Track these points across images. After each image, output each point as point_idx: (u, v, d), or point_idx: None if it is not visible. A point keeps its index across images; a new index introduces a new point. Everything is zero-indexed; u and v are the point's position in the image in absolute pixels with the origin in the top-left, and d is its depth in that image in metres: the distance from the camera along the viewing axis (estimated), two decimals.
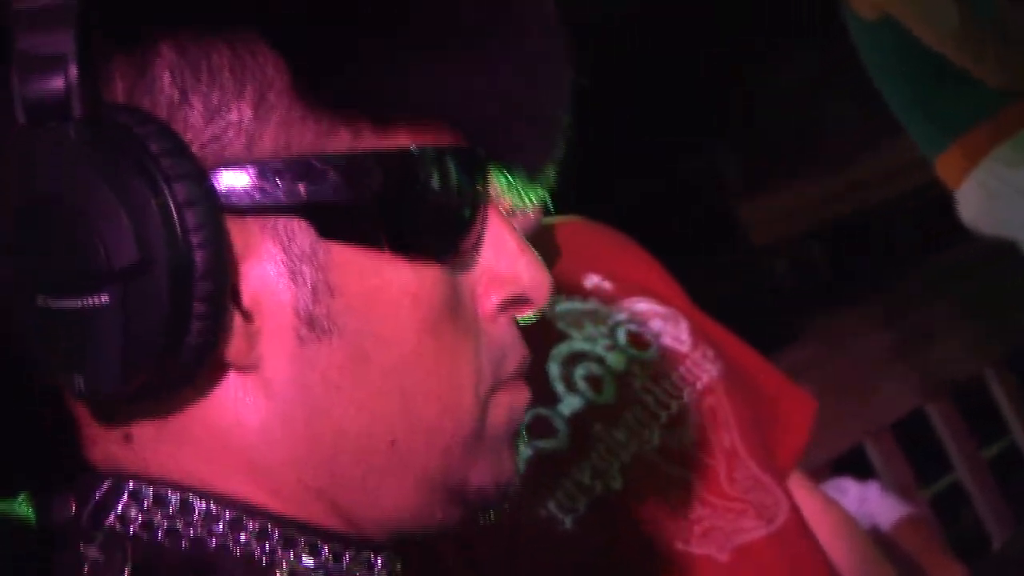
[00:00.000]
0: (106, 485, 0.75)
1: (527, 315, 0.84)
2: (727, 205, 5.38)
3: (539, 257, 0.84)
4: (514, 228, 0.83)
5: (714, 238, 5.10)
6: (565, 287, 1.63)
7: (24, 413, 0.80)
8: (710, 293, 3.85)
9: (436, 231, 0.78)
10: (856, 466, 3.11)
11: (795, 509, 1.80)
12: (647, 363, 1.68)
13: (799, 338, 3.62)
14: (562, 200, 0.94)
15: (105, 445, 0.77)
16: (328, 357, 0.75)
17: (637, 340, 1.59)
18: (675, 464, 1.63)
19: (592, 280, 1.80)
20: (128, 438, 0.76)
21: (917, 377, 3.32)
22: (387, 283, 0.76)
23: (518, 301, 0.83)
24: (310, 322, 0.74)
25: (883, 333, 3.42)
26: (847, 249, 4.98)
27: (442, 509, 0.81)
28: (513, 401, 0.84)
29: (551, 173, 0.86)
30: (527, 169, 0.84)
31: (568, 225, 1.88)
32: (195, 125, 0.71)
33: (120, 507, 0.75)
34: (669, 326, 1.76)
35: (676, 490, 1.63)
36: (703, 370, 1.74)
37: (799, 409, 1.96)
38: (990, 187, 3.23)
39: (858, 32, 3.32)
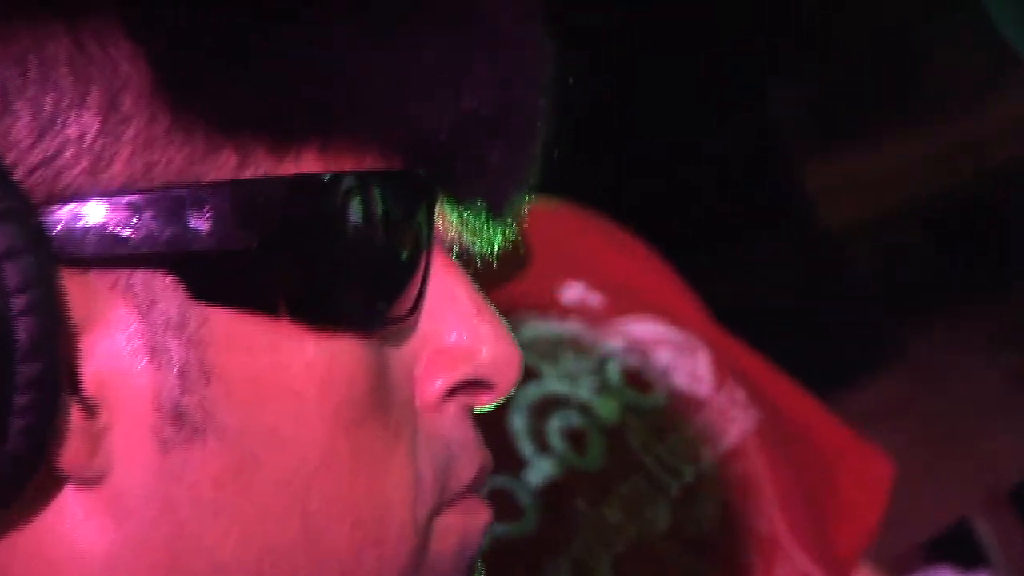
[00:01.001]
0: None
1: (486, 405, 0.82)
2: (786, 173, 4.89)
3: (503, 321, 0.83)
4: (469, 280, 0.82)
5: (766, 220, 4.61)
6: (535, 302, 1.62)
7: None
8: (754, 301, 3.87)
9: (357, 289, 0.77)
10: (959, 550, 3.05)
11: None
12: (651, 412, 1.66)
13: (883, 367, 3.60)
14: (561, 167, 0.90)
15: None
16: (201, 466, 0.73)
17: (637, 379, 1.56)
18: (690, 556, 1.61)
19: (573, 291, 1.78)
20: None
21: None
22: (285, 364, 0.75)
23: (474, 385, 0.81)
24: (177, 418, 0.72)
25: (1004, 361, 3.41)
26: (957, 237, 4.50)
27: None
28: (467, 526, 0.82)
29: (520, 203, 0.85)
30: (490, 199, 0.83)
31: (542, 213, 1.71)
32: (19, 142, 0.68)
33: None
34: (683, 359, 1.73)
35: None
36: (731, 421, 1.72)
37: (871, 474, 1.94)
38: None
39: None
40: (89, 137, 0.68)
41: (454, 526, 0.80)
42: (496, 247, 0.84)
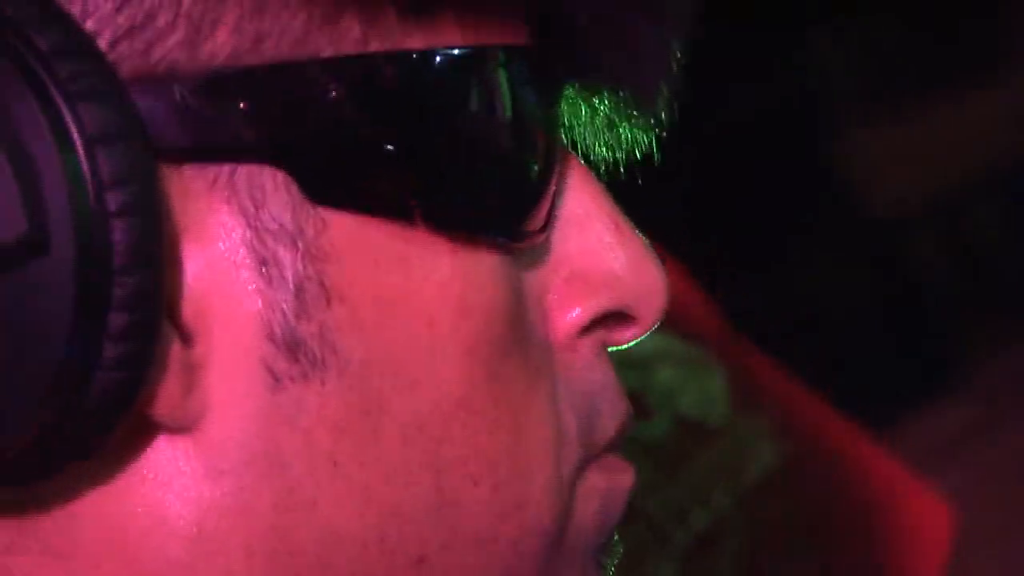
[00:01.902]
0: None
1: (628, 340, 0.82)
2: (830, 144, 4.94)
3: (649, 245, 0.82)
4: (606, 193, 0.81)
5: (807, 201, 4.64)
6: None
7: None
8: (789, 300, 3.93)
9: (495, 192, 0.77)
10: None
11: None
12: (652, 445, 1.65)
13: (952, 387, 3.64)
14: None
15: None
16: (317, 410, 0.72)
17: (635, 404, 1.52)
18: None
19: None
20: (6, 548, 0.75)
21: None
22: (417, 283, 0.74)
23: (615, 317, 0.80)
24: (291, 348, 0.71)
25: None
26: None
27: None
28: (611, 487, 0.81)
29: (664, 100, 0.82)
30: (634, 86, 0.82)
31: None
32: (102, 14, 0.67)
33: None
34: (693, 379, 1.73)
35: None
36: (751, 455, 1.72)
37: (927, 522, 1.92)
38: None
39: None
40: (185, 4, 0.67)
41: (597, 488, 0.79)
42: (635, 152, 0.83)
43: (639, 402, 1.52)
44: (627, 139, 0.83)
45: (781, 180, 4.59)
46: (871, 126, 4.84)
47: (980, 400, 3.57)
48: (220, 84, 0.68)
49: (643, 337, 0.81)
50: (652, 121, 0.82)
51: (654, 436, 1.65)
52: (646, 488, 1.52)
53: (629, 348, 1.75)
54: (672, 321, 1.74)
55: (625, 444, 1.22)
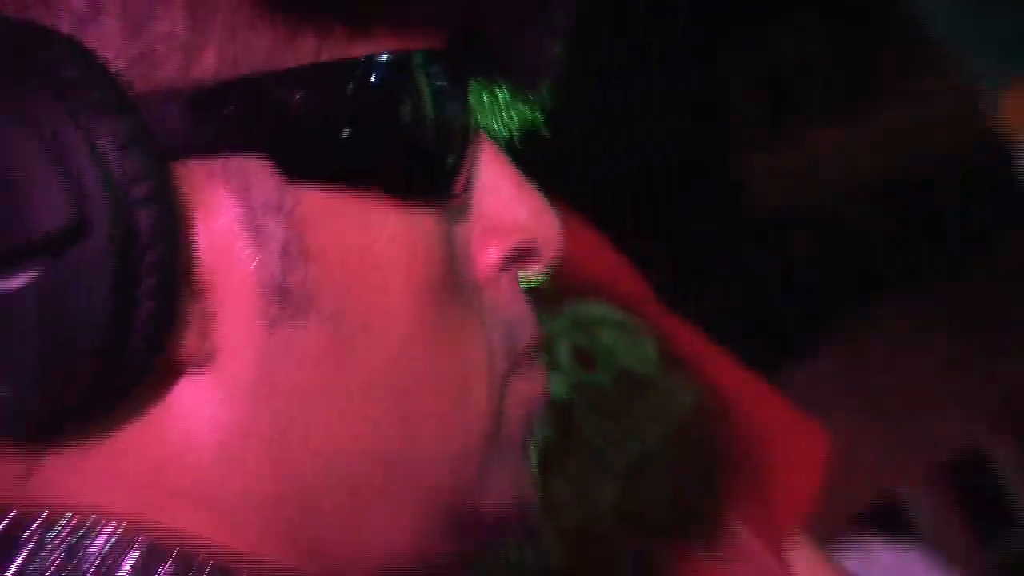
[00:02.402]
0: None
1: (535, 274, 0.86)
2: (728, 153, 5.00)
3: (544, 196, 0.86)
4: (510, 160, 0.85)
5: (700, 198, 4.74)
6: None
7: None
8: (691, 280, 3.83)
9: (431, 164, 0.80)
10: (891, 523, 3.17)
11: None
12: (598, 390, 1.65)
13: (820, 349, 3.64)
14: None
15: None
16: (303, 346, 0.76)
17: (584, 358, 1.55)
18: (636, 534, 1.60)
19: None
20: (25, 473, 0.76)
21: (981, 406, 3.36)
22: (373, 238, 0.77)
23: (524, 255, 0.84)
24: (281, 296, 0.75)
25: (938, 344, 3.47)
26: (893, 222, 4.57)
27: (448, 542, 0.83)
28: (531, 389, 0.86)
29: (546, 87, 0.87)
30: (524, 79, 0.87)
31: None
32: (113, 43, 0.70)
33: (27, 549, 0.74)
34: (630, 340, 1.72)
35: (636, 568, 1.63)
36: (676, 402, 1.71)
37: (809, 449, 1.91)
38: None
39: None
40: (178, 32, 0.70)
41: (521, 390, 0.84)
42: (519, 128, 0.87)
43: (589, 358, 1.58)
44: (520, 118, 0.87)
45: (691, 181, 4.63)
46: (767, 147, 4.86)
47: (849, 357, 3.56)
48: (208, 95, 0.71)
49: (546, 272, 0.86)
50: (539, 103, 0.87)
51: (600, 386, 1.63)
52: (593, 424, 1.53)
53: (580, 314, 1.75)
54: (614, 296, 1.74)
55: (576, 393, 1.29)
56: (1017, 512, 3.38)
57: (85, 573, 0.72)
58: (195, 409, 0.74)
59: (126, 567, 0.73)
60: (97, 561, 0.72)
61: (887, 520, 3.25)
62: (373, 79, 0.76)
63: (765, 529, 1.72)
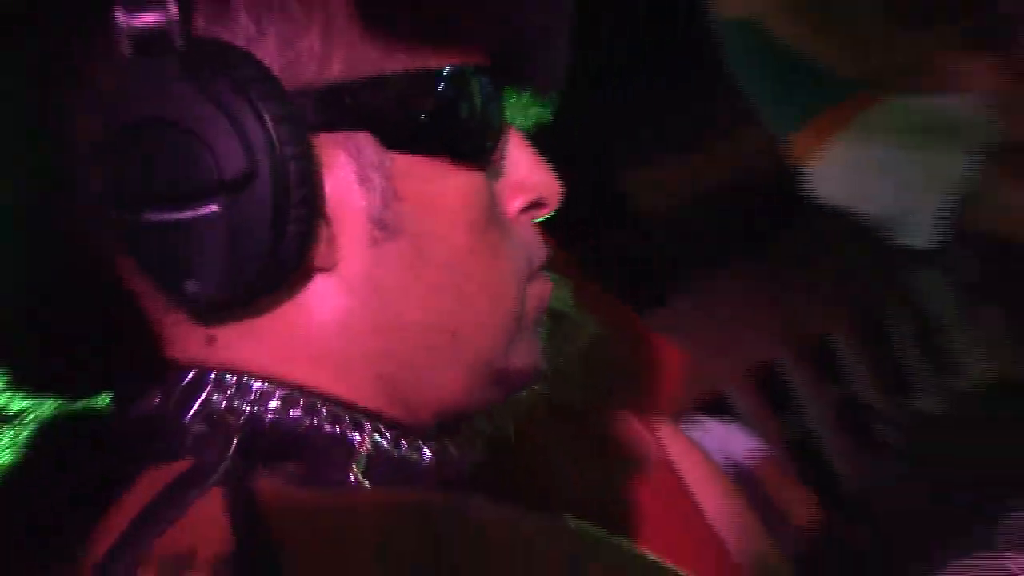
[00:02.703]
0: (189, 377, 0.79)
1: (544, 215, 0.89)
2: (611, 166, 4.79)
3: (550, 166, 0.89)
4: (528, 142, 0.88)
5: (598, 200, 4.52)
6: None
7: (100, 319, 0.81)
8: (589, 252, 3.74)
9: (478, 141, 0.83)
10: (720, 410, 3.20)
11: (666, 453, 1.87)
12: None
13: (678, 297, 3.57)
14: None
15: (184, 346, 0.80)
16: (395, 256, 0.79)
17: None
18: (561, 417, 1.63)
19: None
20: (211, 339, 0.79)
21: (780, 333, 3.41)
22: (443, 188, 0.81)
23: (536, 205, 0.88)
24: (380, 225, 0.78)
25: (754, 295, 3.49)
26: (721, 216, 4.45)
27: (486, 390, 0.86)
28: (542, 291, 0.89)
29: (554, 96, 0.92)
30: (538, 89, 0.90)
31: None
32: (271, 54, 0.74)
33: (204, 395, 0.78)
34: (555, 287, 1.72)
35: (561, 441, 1.65)
36: (584, 330, 1.74)
37: (670, 361, 1.99)
38: (841, 161, 3.39)
39: (721, 30, 3.44)
40: (315, 48, 0.74)
41: (535, 291, 0.87)
42: (533, 122, 0.90)
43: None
44: (536, 115, 0.91)
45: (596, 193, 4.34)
46: (637, 168, 4.65)
47: (694, 302, 3.45)
48: (334, 91, 0.74)
49: (550, 214, 0.89)
50: (548, 105, 0.91)
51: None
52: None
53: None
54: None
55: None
56: (799, 401, 3.40)
57: (243, 410, 0.76)
58: (325, 298, 0.78)
59: (272, 404, 0.77)
60: (249, 405, 0.77)
61: (717, 408, 3.23)
62: (442, 85, 0.79)
63: (643, 415, 1.79)
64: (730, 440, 2.79)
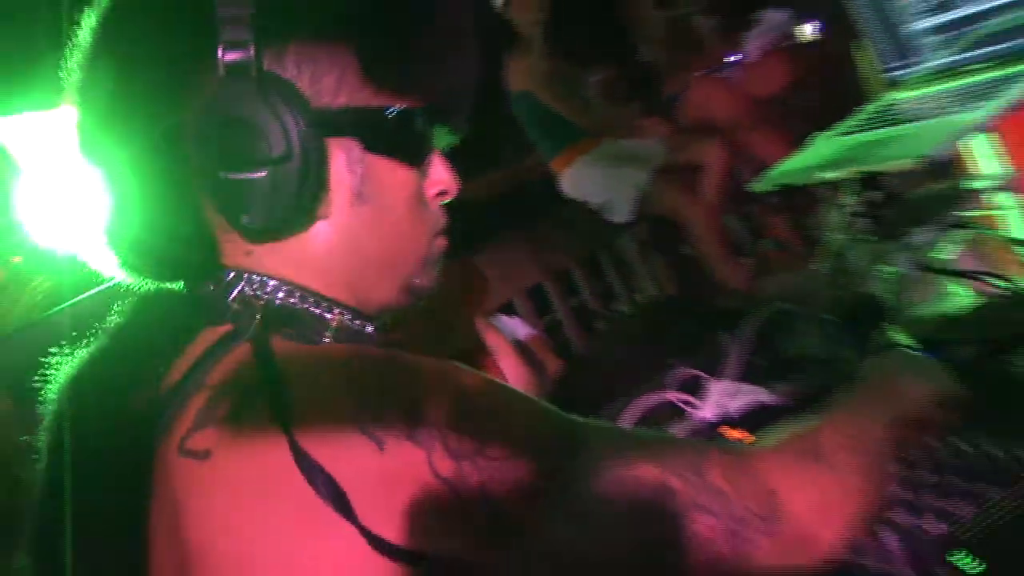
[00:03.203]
0: (232, 275, 0.75)
1: (447, 200, 0.82)
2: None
3: (454, 170, 0.82)
4: (446, 159, 0.82)
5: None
6: None
7: (184, 239, 0.75)
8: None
9: (417, 152, 0.78)
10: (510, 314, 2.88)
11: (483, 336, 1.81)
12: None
13: (484, 251, 3.78)
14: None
15: (233, 256, 0.76)
16: (364, 215, 0.76)
17: None
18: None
19: None
20: (248, 253, 0.75)
21: (543, 270, 3.87)
22: (395, 178, 0.77)
23: (443, 193, 0.82)
24: (358, 195, 0.75)
25: (528, 248, 3.95)
26: (513, 205, 4.24)
27: (405, 298, 0.80)
28: (440, 243, 0.82)
29: (466, 131, 0.84)
30: (454, 124, 0.83)
31: None
32: (305, 86, 0.71)
33: (243, 286, 0.75)
34: None
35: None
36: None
37: (484, 285, 2.28)
38: (581, 176, 3.79)
39: (512, 97, 3.73)
40: (331, 86, 0.73)
41: (437, 244, 0.82)
42: (450, 145, 0.83)
43: None
44: (449, 141, 0.83)
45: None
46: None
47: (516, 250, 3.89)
48: (339, 112, 0.73)
49: (453, 199, 0.84)
50: (458, 135, 0.84)
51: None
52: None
53: None
54: None
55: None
56: (552, 306, 3.76)
57: (263, 297, 0.75)
58: (320, 235, 0.74)
59: (281, 294, 0.75)
60: (267, 294, 0.75)
61: (509, 310, 3.66)
62: (402, 118, 0.75)
63: (472, 314, 1.77)
64: (516, 328, 2.33)
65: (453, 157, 0.87)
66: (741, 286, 3.60)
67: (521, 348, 1.25)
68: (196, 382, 0.70)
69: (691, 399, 1.27)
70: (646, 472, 0.69)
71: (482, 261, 3.53)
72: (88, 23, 0.75)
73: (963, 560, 0.81)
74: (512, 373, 1.70)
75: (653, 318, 3.85)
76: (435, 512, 0.65)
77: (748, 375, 1.25)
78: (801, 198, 3.57)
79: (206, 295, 0.75)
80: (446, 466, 0.65)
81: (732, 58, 3.86)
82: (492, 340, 1.20)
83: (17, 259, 2.19)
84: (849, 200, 1.32)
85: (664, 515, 0.67)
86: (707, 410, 1.22)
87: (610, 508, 0.68)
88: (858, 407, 0.82)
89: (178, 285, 0.77)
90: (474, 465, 0.65)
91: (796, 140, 1.47)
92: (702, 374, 1.29)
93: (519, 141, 3.97)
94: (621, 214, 3.80)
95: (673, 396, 1.29)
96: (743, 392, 1.21)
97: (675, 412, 1.26)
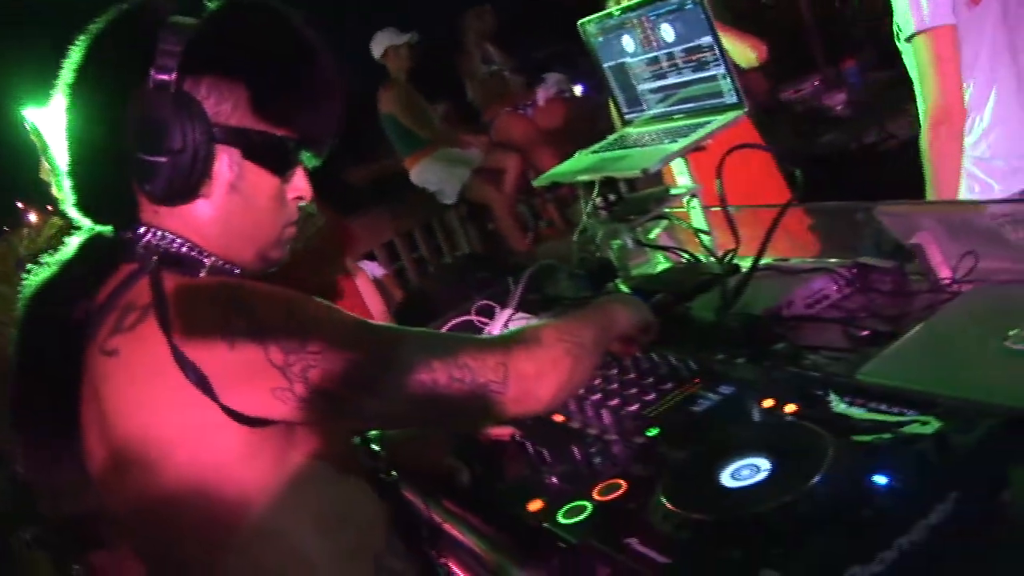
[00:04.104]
0: (143, 228, 0.69)
1: (304, 203, 0.75)
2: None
3: (309, 180, 0.75)
4: (303, 169, 0.75)
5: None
6: None
7: (115, 195, 0.69)
8: None
9: (284, 166, 0.71)
10: (370, 260, 3.40)
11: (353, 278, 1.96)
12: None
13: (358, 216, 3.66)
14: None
15: (146, 214, 0.69)
16: (236, 202, 0.69)
17: None
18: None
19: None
20: (156, 212, 0.69)
21: (394, 229, 3.84)
22: (263, 181, 0.70)
23: (300, 198, 0.74)
24: (233, 187, 0.69)
25: (388, 215, 3.88)
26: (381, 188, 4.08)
27: (260, 264, 0.73)
28: (290, 232, 0.75)
29: (324, 157, 0.76)
30: (317, 152, 0.75)
31: None
32: (210, 106, 0.66)
33: (149, 236, 0.69)
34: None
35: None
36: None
37: (355, 237, 2.16)
38: (424, 171, 3.80)
39: (382, 116, 3.64)
40: (228, 110, 0.67)
41: (288, 231, 0.74)
42: (313, 165, 0.75)
43: None
44: (313, 160, 0.75)
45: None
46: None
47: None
48: (229, 129, 0.67)
49: (309, 203, 0.76)
50: (318, 158, 0.76)
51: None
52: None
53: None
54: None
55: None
56: (399, 254, 3.67)
57: (162, 246, 0.68)
58: (203, 208, 0.68)
59: (174, 245, 0.68)
60: (165, 243, 0.68)
61: (370, 257, 3.47)
62: (274, 141, 0.69)
63: (340, 261, 1.85)
64: (375, 269, 2.86)
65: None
66: (524, 249, 3.77)
67: (377, 283, 1.19)
68: (112, 302, 0.67)
69: (486, 320, 1.25)
70: (418, 356, 0.68)
71: (355, 221, 3.40)
72: (79, 43, 0.71)
73: (649, 430, 0.83)
74: (370, 299, 1.84)
75: (465, 267, 3.93)
76: (272, 390, 0.63)
77: (524, 306, 1.24)
78: (565, 193, 3.86)
79: (126, 240, 0.70)
80: (279, 358, 0.63)
81: (528, 102, 4.09)
82: (359, 275, 1.13)
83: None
84: (595, 195, 1.34)
85: (431, 384, 0.67)
86: (495, 328, 1.20)
87: (401, 380, 0.67)
88: (579, 318, 0.82)
89: (108, 229, 0.71)
90: (298, 356, 0.63)
91: (565, 155, 1.48)
92: (494, 304, 1.27)
93: (386, 146, 3.92)
94: (449, 198, 3.91)
95: (474, 318, 1.26)
96: (519, 317, 1.20)
97: (475, 329, 1.24)
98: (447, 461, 0.90)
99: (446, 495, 0.87)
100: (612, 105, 1.52)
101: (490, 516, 0.82)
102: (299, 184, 0.74)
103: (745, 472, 0.66)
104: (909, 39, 1.32)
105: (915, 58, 1.33)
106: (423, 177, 3.82)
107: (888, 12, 1.31)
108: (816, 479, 0.62)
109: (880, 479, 0.61)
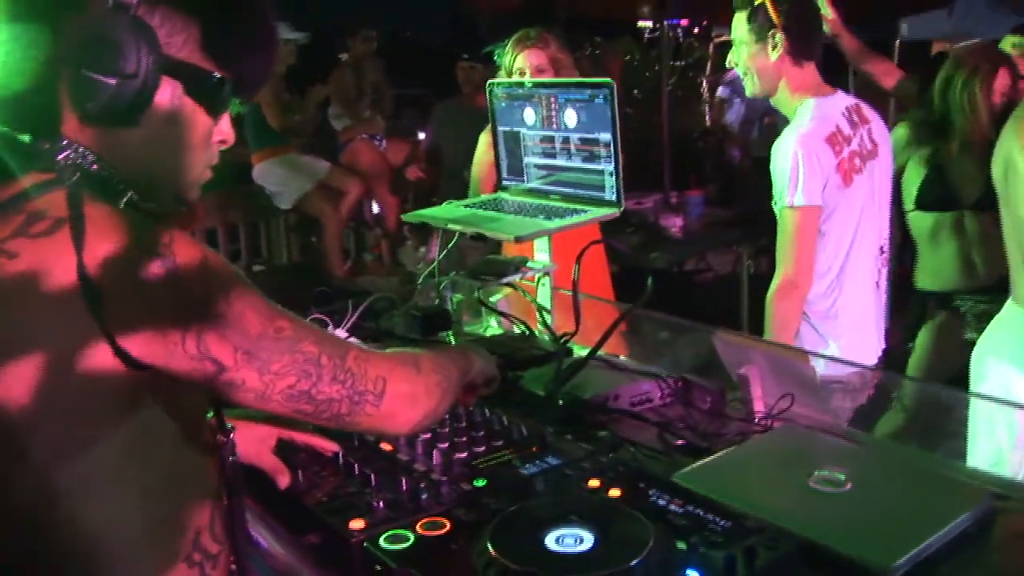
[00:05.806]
0: (66, 142, 0.68)
1: (226, 147, 0.75)
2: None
3: (233, 127, 0.74)
4: (228, 113, 0.74)
5: None
6: None
7: (39, 104, 0.67)
8: None
9: (217, 107, 0.71)
10: None
11: None
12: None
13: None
14: None
15: (73, 130, 0.68)
16: (167, 135, 0.69)
17: None
18: None
19: None
20: (83, 129, 0.68)
21: (224, 218, 3.72)
22: (197, 119, 0.70)
23: (224, 142, 0.74)
24: (169, 120, 0.68)
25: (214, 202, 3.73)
26: None
27: (174, 202, 0.73)
28: (207, 174, 0.74)
29: (248, 105, 0.72)
30: (247, 97, 0.75)
31: None
32: (163, 36, 0.66)
33: (70, 151, 0.67)
34: None
35: None
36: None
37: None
38: (267, 171, 3.76)
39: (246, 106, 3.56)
40: (179, 42, 0.67)
41: (206, 174, 0.73)
42: (237, 108, 0.75)
43: None
44: (238, 110, 0.75)
45: None
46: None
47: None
48: (176, 63, 0.67)
49: (230, 145, 0.75)
50: (245, 102, 0.75)
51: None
52: None
53: None
54: None
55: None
56: (242, 241, 3.66)
57: (81, 161, 0.67)
58: (136, 134, 0.67)
59: (93, 163, 0.67)
60: (84, 160, 0.67)
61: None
62: (213, 79, 0.69)
63: None
64: None
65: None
66: (341, 275, 3.83)
67: None
68: (17, 206, 0.64)
69: None
70: (310, 348, 0.68)
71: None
72: None
73: (478, 480, 0.87)
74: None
75: (284, 276, 3.93)
76: (166, 338, 0.61)
77: (356, 333, 1.25)
78: (394, 232, 4.06)
79: (43, 150, 0.67)
80: (184, 310, 0.62)
81: (381, 135, 4.26)
82: None
83: None
84: (452, 244, 1.40)
85: (315, 378, 0.68)
86: None
87: (290, 367, 0.67)
88: (447, 356, 0.84)
89: (26, 137, 0.68)
90: (203, 313, 0.63)
91: (403, 195, 1.53)
92: (328, 320, 1.26)
93: (239, 135, 3.82)
94: (285, 203, 3.95)
95: None
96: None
97: None
98: (271, 458, 0.89)
99: (270, 492, 0.87)
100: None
101: (309, 524, 0.82)
102: (224, 128, 0.74)
103: (569, 540, 0.70)
104: (780, 210, 1.46)
105: (780, 226, 1.46)
106: (264, 176, 3.80)
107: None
108: (635, 562, 0.66)
109: (692, 574, 0.67)
